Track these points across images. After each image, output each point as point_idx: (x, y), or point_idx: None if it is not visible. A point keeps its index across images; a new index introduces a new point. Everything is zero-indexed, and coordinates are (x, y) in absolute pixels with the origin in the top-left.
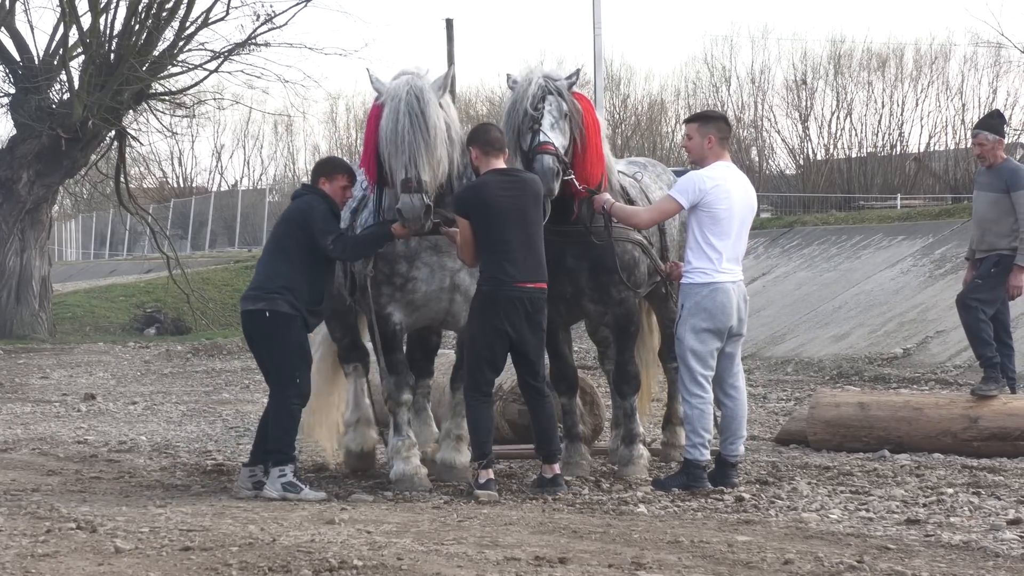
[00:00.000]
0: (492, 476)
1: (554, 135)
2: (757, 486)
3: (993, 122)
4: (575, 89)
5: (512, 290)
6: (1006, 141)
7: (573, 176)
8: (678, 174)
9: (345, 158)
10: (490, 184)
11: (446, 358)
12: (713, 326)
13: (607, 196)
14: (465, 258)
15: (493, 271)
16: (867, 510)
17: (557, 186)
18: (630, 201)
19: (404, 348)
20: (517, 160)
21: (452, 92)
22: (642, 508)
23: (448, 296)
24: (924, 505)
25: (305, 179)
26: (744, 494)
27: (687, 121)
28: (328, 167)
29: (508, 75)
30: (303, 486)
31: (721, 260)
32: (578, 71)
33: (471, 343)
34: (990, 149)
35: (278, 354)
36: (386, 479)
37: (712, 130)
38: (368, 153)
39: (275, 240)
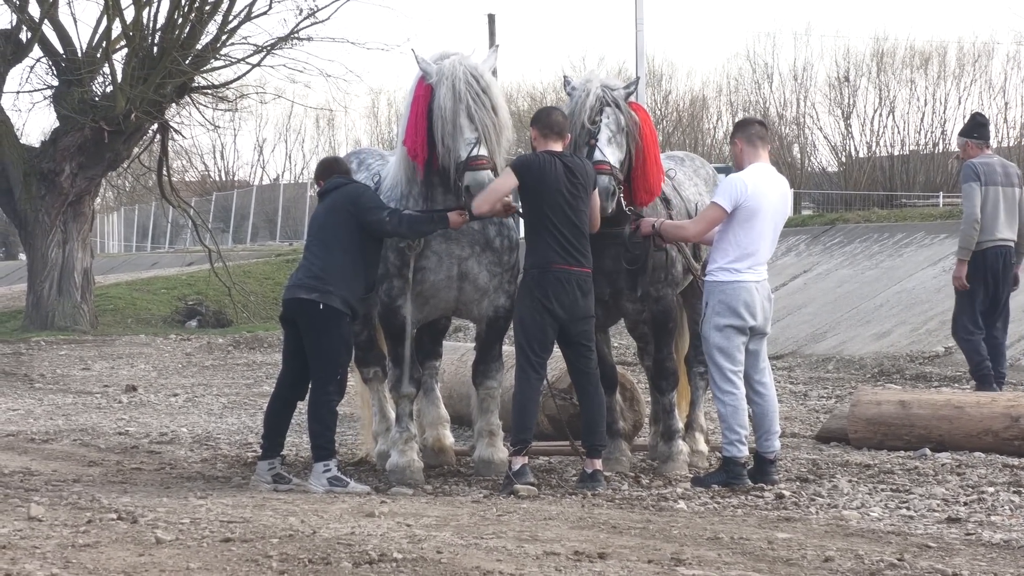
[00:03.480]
0: (526, 462)
1: (610, 151)
2: (797, 483)
3: (965, 126)
4: (631, 99)
5: (560, 272)
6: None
7: (621, 194)
8: (720, 171)
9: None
10: (555, 166)
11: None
12: (736, 323)
13: (652, 219)
14: (483, 203)
15: (540, 253)
16: (908, 508)
17: (612, 205)
18: (664, 199)
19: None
20: None
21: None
22: (682, 504)
23: (456, 285)
24: (965, 504)
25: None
26: (784, 491)
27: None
28: (341, 165)
29: (565, 77)
30: (348, 480)
31: (746, 259)
32: (637, 80)
33: (520, 325)
34: (963, 151)
35: (325, 349)
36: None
37: (738, 135)
38: (419, 133)
39: (327, 231)
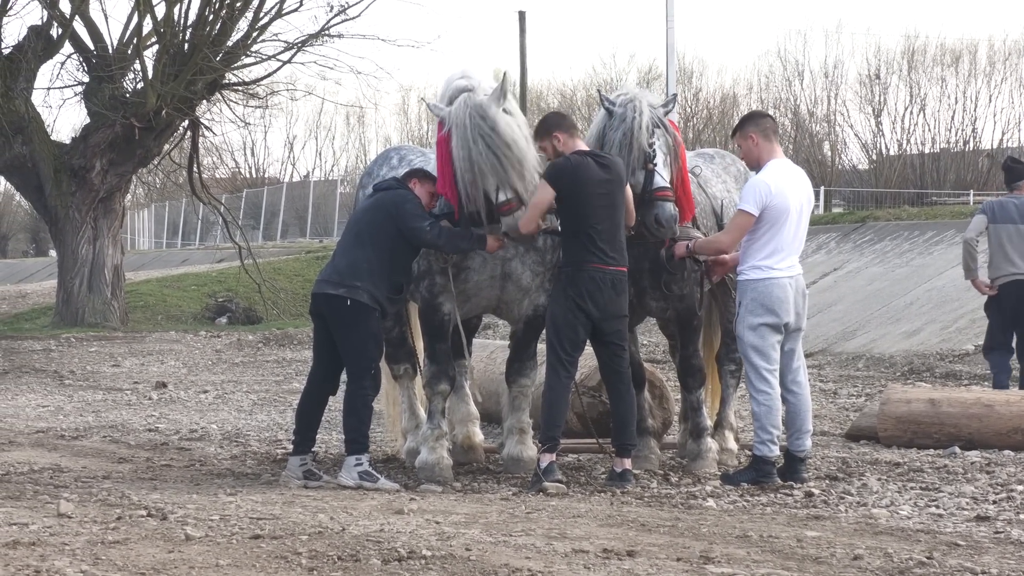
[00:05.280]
0: (555, 459)
1: (667, 173)
2: (827, 482)
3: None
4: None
5: (595, 271)
6: None
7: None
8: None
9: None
10: (589, 166)
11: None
12: (770, 321)
13: (684, 241)
14: (528, 221)
15: (575, 252)
16: (937, 506)
17: (677, 229)
18: None
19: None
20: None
21: (523, 84)
22: (711, 502)
23: (499, 284)
24: (994, 502)
25: None
26: (814, 489)
27: (732, 136)
28: (422, 172)
29: (600, 93)
30: (379, 476)
31: (777, 255)
32: (674, 97)
33: (553, 323)
34: None
35: (354, 345)
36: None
37: (751, 129)
38: (447, 181)
39: (362, 226)
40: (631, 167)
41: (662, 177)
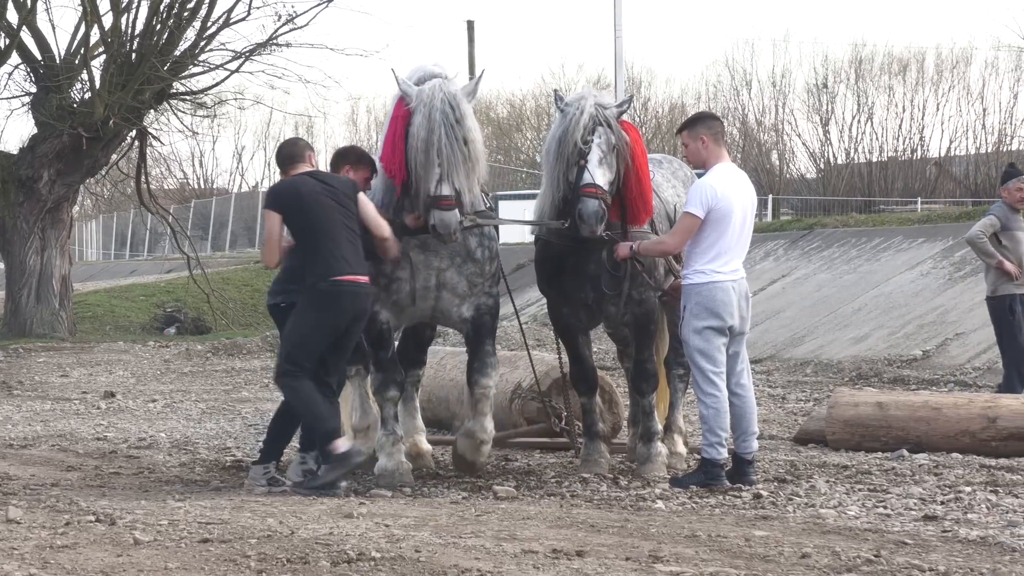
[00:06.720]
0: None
1: (600, 172)
2: (775, 484)
3: None
4: (623, 118)
5: (355, 286)
6: None
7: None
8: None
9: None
10: (305, 182)
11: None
12: (715, 324)
13: (628, 243)
14: (270, 256)
15: (328, 267)
16: (885, 507)
17: (601, 229)
18: None
19: (394, 346)
20: (560, 189)
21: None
22: (660, 504)
23: (435, 294)
24: (942, 503)
25: None
26: (762, 491)
27: (678, 132)
28: (354, 156)
29: (556, 93)
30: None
31: (721, 259)
32: (631, 98)
33: (302, 339)
34: None
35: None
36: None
37: (702, 130)
38: (396, 156)
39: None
40: (567, 160)
41: (590, 175)
